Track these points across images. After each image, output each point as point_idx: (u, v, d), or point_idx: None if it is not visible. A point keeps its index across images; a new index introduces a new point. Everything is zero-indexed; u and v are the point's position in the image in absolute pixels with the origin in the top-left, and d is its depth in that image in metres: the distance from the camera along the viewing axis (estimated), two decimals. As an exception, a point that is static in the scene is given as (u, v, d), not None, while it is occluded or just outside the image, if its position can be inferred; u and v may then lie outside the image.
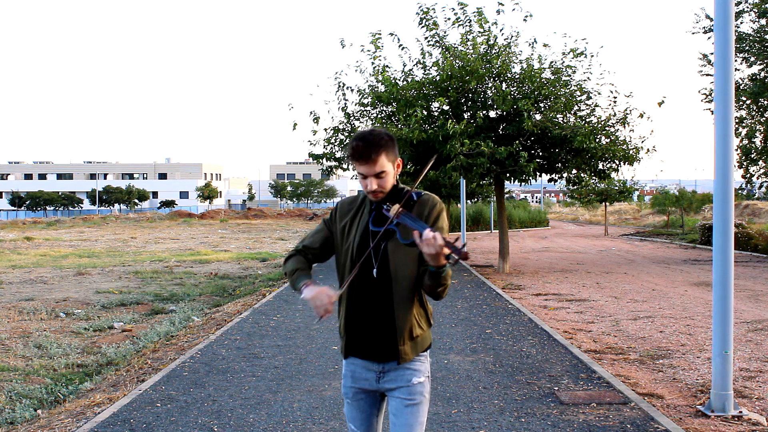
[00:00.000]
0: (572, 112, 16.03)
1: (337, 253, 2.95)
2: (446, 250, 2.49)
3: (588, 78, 15.97)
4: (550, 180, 17.76)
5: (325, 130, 17.12)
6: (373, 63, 16.01)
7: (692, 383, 6.42)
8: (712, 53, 17.39)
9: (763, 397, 5.96)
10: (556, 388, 6.10)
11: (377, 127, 14.02)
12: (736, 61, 19.98)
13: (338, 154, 17.02)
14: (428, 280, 2.71)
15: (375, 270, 2.78)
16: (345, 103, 16.80)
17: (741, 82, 20.77)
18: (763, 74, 20.65)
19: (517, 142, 14.78)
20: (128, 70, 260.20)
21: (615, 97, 16.04)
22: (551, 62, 15.78)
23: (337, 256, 2.95)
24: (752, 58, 20.56)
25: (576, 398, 5.79)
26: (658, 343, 8.29)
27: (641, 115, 16.00)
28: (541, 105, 15.87)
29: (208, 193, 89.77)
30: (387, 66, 15.90)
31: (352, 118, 16.92)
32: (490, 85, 15.61)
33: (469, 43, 15.48)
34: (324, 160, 17.14)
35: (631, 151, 15.91)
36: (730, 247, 5.50)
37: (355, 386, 2.92)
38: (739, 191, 22.69)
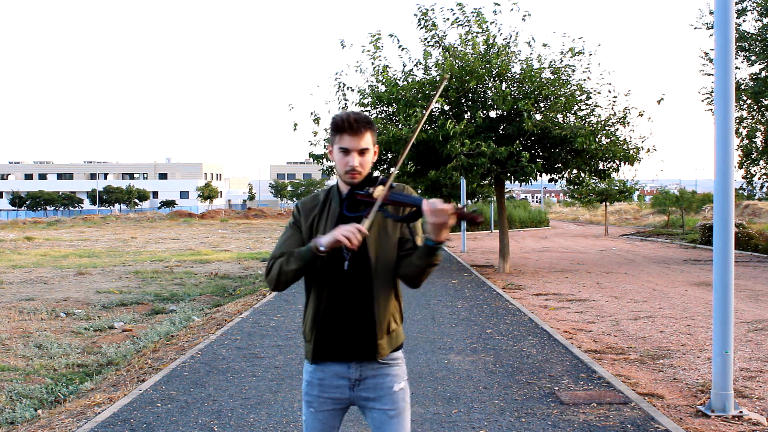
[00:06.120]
0: (572, 112, 16.04)
1: None
2: (453, 219, 2.40)
3: (588, 78, 15.99)
4: (550, 180, 17.77)
5: (326, 130, 17.11)
6: (373, 63, 16.04)
7: (692, 383, 6.41)
8: (713, 49, 17.36)
9: (764, 397, 5.96)
10: (557, 388, 6.10)
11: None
12: (737, 60, 19.99)
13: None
14: (419, 260, 2.55)
15: (346, 262, 2.59)
16: (345, 104, 16.80)
17: (742, 81, 20.78)
18: (764, 73, 20.64)
19: (517, 142, 14.78)
20: (128, 70, 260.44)
21: (615, 97, 16.06)
22: (551, 62, 15.79)
23: None
24: (753, 57, 20.56)
25: (576, 398, 5.79)
26: (659, 343, 8.29)
27: (641, 114, 16.02)
28: (541, 105, 15.87)
29: (208, 193, 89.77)
30: (387, 66, 15.91)
31: (352, 118, 16.89)
32: (489, 85, 15.61)
33: (468, 43, 15.49)
34: (324, 160, 17.15)
35: (631, 151, 15.91)
36: (731, 247, 5.50)
37: (323, 395, 2.71)
38: (740, 191, 22.69)
